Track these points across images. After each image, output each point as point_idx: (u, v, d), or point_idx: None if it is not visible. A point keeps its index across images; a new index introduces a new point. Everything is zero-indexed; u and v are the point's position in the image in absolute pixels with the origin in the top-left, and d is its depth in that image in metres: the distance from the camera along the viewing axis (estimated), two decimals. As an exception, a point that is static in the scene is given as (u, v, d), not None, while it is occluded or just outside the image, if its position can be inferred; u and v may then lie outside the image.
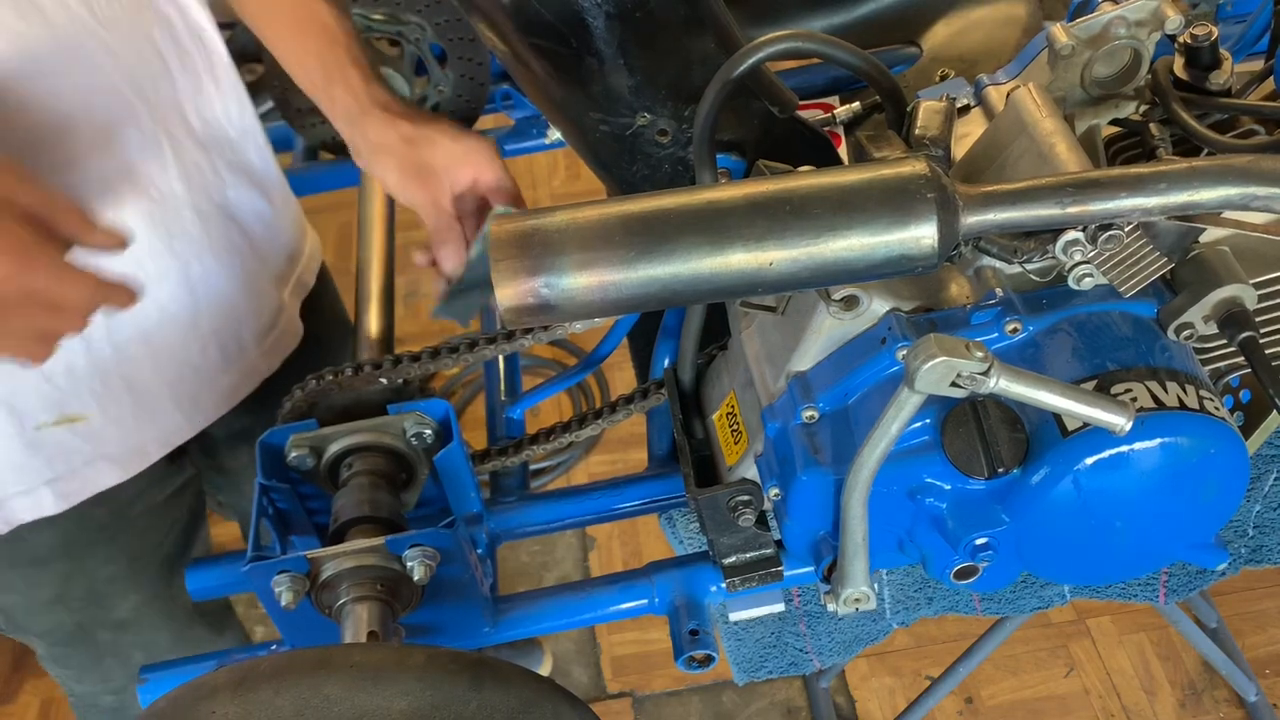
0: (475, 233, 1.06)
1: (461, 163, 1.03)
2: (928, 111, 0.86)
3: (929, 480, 0.84)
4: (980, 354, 0.72)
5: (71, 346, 1.03)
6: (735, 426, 0.98)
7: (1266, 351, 0.85)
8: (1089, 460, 0.80)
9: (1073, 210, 0.74)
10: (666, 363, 1.09)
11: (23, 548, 1.14)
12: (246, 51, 1.58)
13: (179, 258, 1.10)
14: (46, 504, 1.11)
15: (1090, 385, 0.81)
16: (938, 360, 0.71)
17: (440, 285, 1.10)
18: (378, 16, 1.54)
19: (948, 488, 0.84)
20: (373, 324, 1.28)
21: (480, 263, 1.06)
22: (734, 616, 1.06)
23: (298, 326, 1.29)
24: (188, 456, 1.27)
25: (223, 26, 1.22)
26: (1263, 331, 0.90)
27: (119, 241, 0.91)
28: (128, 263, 1.02)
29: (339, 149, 1.64)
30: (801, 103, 0.98)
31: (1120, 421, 0.75)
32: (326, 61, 1.08)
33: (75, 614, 1.23)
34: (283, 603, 0.91)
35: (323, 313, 1.37)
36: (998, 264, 0.86)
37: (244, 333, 1.20)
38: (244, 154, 1.18)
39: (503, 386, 1.35)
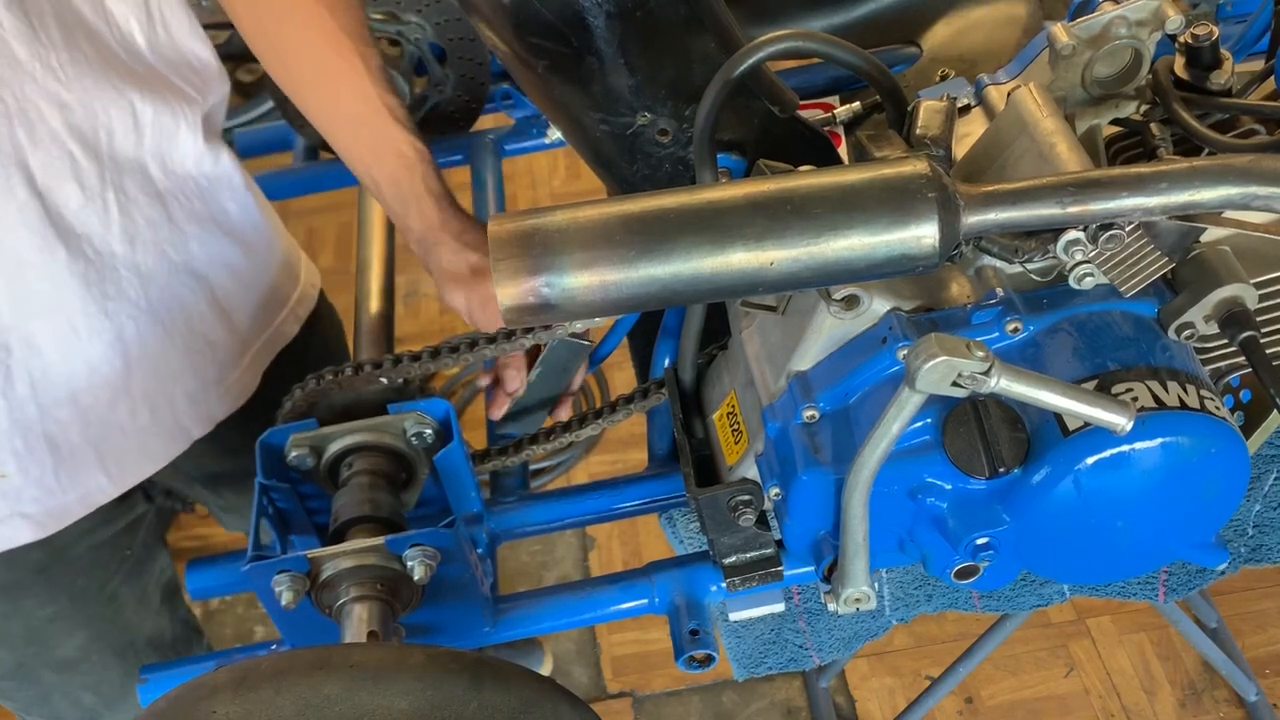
0: (535, 357, 1.14)
1: None
2: (928, 111, 0.86)
3: (930, 480, 0.84)
4: (981, 354, 0.72)
5: None
6: (735, 426, 0.98)
7: (1267, 351, 0.85)
8: (1090, 460, 0.80)
9: (1073, 210, 0.74)
10: (666, 362, 1.09)
11: None
12: (247, 52, 1.57)
13: (113, 319, 1.06)
14: (23, 533, 1.10)
15: (1091, 385, 0.81)
16: (939, 360, 0.71)
17: (502, 404, 1.17)
18: (378, 16, 1.54)
19: (948, 487, 0.84)
20: (372, 324, 1.27)
21: (540, 382, 1.15)
22: (734, 616, 1.06)
23: (248, 385, 1.24)
24: (140, 493, 1.24)
25: (220, 27, 1.21)
26: (1263, 331, 0.90)
27: None
28: (58, 323, 1.02)
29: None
30: (802, 103, 0.98)
31: (1121, 421, 0.75)
32: (402, 189, 1.10)
33: (15, 652, 1.20)
34: (283, 602, 0.91)
35: (305, 362, 1.30)
36: (998, 263, 0.86)
37: (177, 395, 1.16)
38: (215, 203, 1.14)
39: (503, 386, 1.35)
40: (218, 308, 1.17)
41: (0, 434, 1.04)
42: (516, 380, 1.15)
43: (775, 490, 0.89)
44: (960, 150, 0.91)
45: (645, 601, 1.06)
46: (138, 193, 1.05)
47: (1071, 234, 0.78)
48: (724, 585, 1.00)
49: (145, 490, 1.25)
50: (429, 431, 1.02)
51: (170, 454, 1.18)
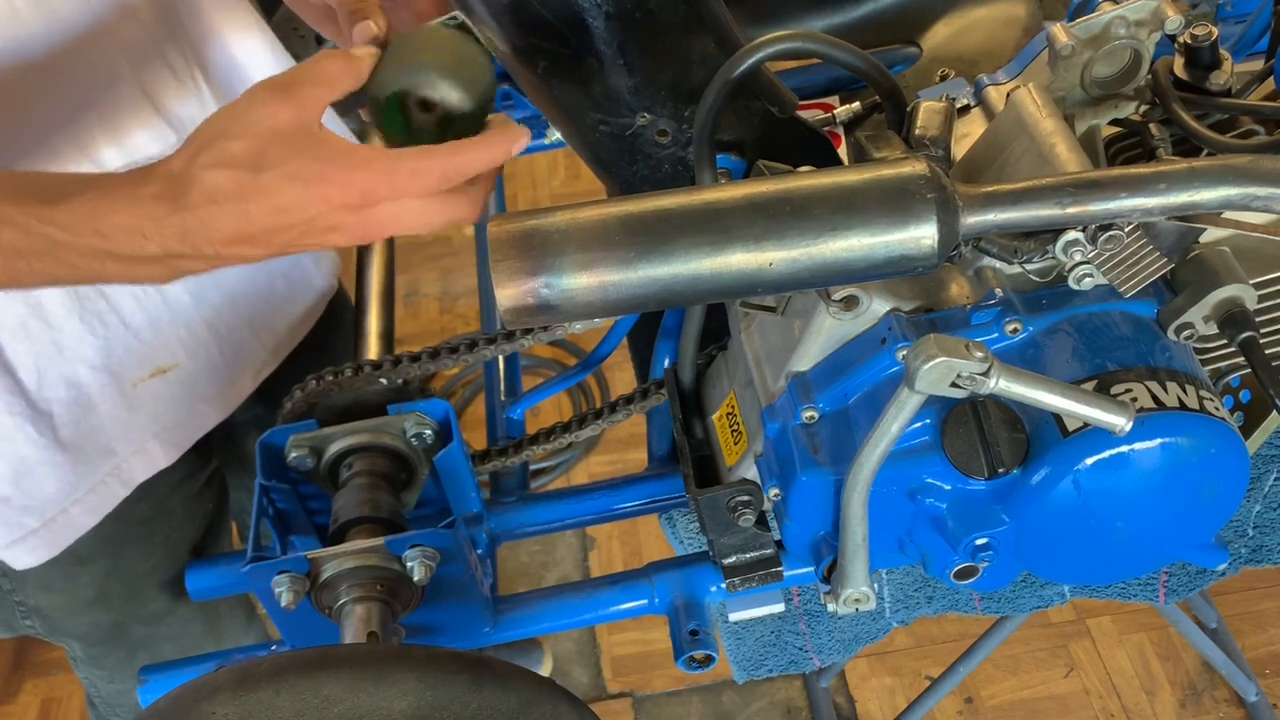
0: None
1: None
2: (928, 111, 0.86)
3: (929, 480, 0.84)
4: (980, 354, 0.72)
5: (154, 301, 1.10)
6: (735, 426, 0.98)
7: (1266, 351, 0.85)
8: (1089, 460, 0.80)
9: (1073, 210, 0.74)
10: (666, 363, 1.09)
11: (67, 546, 1.14)
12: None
13: None
14: (158, 458, 1.15)
15: (1090, 385, 0.81)
16: (938, 360, 0.71)
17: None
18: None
19: (948, 488, 0.84)
20: (373, 324, 1.27)
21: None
22: (734, 617, 1.06)
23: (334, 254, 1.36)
24: (213, 447, 1.29)
25: None
26: (1263, 331, 0.90)
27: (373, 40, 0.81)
28: None
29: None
30: (801, 103, 0.98)
31: (1120, 422, 0.75)
32: None
33: (114, 612, 1.24)
34: (283, 603, 0.91)
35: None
36: (998, 264, 0.86)
37: (302, 258, 1.26)
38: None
39: (503, 386, 1.35)
40: None
41: (165, 327, 1.11)
42: (376, 26, 0.85)
43: (775, 491, 0.89)
44: (959, 151, 0.92)
45: (645, 602, 1.06)
46: (212, 68, 1.12)
47: (1071, 234, 0.78)
48: (724, 585, 1.00)
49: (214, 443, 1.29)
50: (429, 432, 1.02)
51: (315, 315, 1.30)
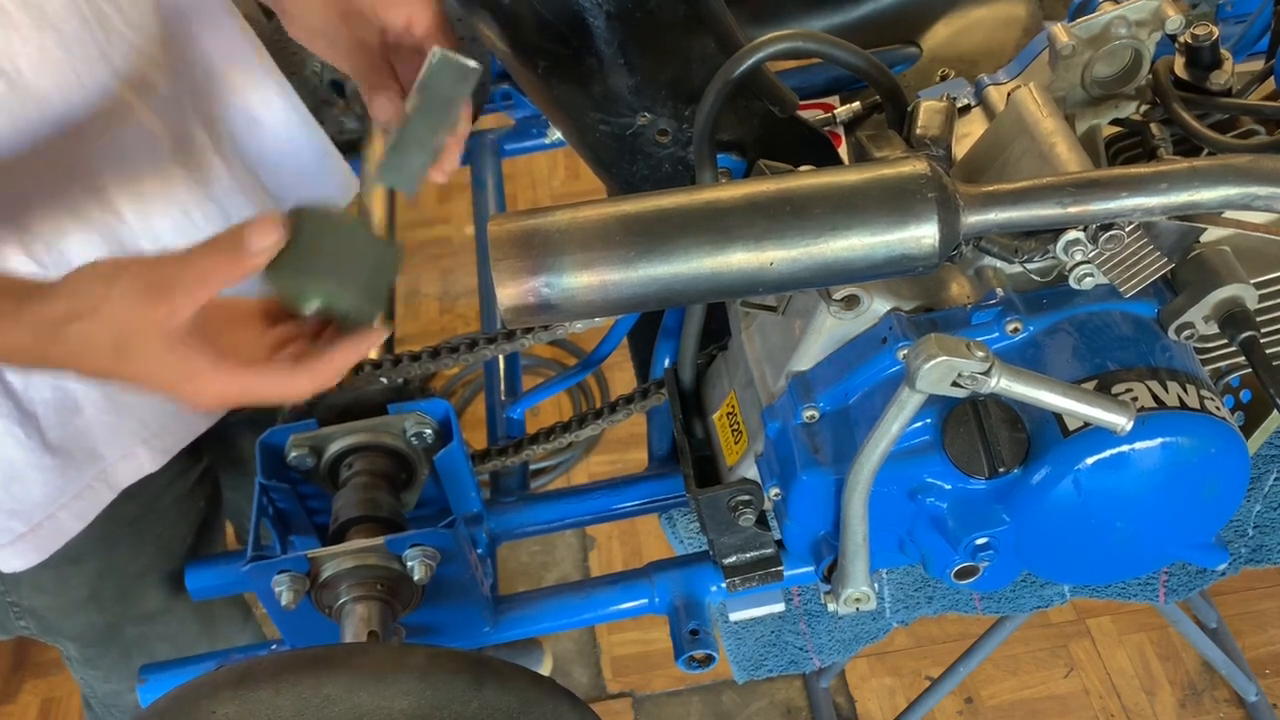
0: (411, 80, 0.90)
1: (393, 4, 0.95)
2: (928, 111, 0.86)
3: (930, 480, 0.84)
4: (981, 354, 0.72)
5: None
6: (736, 426, 0.98)
7: (1267, 351, 0.85)
8: (1090, 460, 0.80)
9: (1073, 210, 0.74)
10: (666, 363, 1.09)
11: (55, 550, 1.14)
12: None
13: (218, 202, 1.12)
14: (145, 463, 1.14)
15: (1091, 385, 0.81)
16: (939, 360, 0.71)
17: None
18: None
19: (948, 487, 0.84)
20: (373, 324, 1.28)
21: (419, 116, 0.89)
22: (734, 616, 1.06)
23: None
24: (204, 446, 1.28)
25: None
26: (1263, 331, 0.90)
27: (272, 239, 0.80)
28: (175, 216, 1.08)
29: (345, 149, 1.64)
30: (801, 103, 0.98)
31: (1121, 421, 0.75)
32: None
33: (107, 612, 1.23)
34: (283, 602, 0.91)
35: None
36: (998, 264, 0.86)
37: None
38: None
39: (503, 386, 1.35)
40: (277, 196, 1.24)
41: None
42: (388, 108, 0.93)
43: (775, 490, 0.89)
44: (960, 150, 0.92)
45: (645, 601, 1.06)
46: (230, 121, 1.13)
47: (1071, 234, 0.78)
48: (724, 585, 1.00)
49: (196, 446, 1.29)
50: (429, 431, 1.02)
51: None
